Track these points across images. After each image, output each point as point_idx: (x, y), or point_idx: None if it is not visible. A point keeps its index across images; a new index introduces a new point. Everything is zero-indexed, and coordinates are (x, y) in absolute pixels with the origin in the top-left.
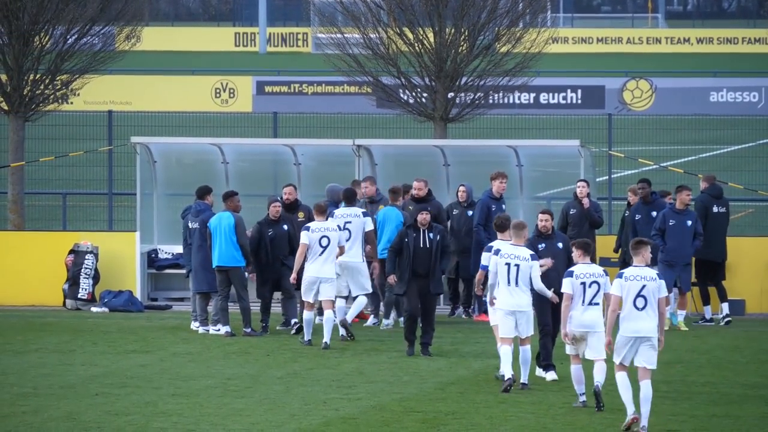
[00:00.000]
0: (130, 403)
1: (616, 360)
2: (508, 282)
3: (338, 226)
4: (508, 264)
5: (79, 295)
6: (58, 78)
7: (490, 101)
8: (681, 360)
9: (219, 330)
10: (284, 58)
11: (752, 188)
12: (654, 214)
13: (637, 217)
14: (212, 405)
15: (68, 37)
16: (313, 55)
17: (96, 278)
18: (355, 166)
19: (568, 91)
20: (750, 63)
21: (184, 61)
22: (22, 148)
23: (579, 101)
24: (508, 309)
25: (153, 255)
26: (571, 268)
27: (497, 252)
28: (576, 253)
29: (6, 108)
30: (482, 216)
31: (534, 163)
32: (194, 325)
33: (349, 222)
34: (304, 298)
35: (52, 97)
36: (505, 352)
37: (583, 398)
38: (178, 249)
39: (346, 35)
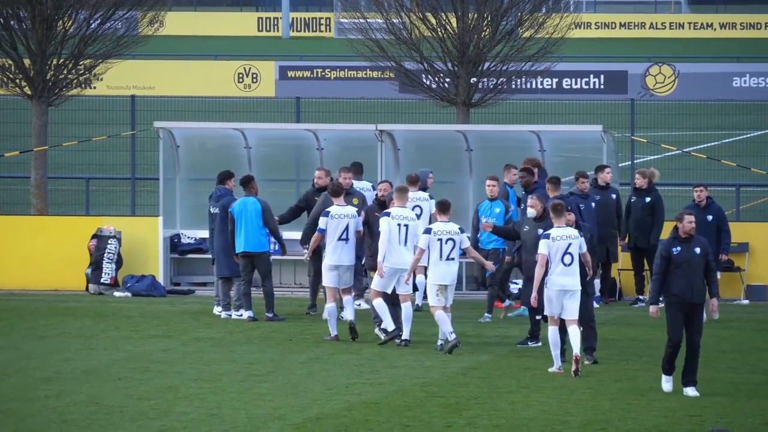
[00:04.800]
0: (153, 388)
1: (549, 313)
2: (399, 241)
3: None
4: (399, 225)
5: (101, 280)
6: (81, 63)
7: (513, 86)
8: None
9: (241, 315)
10: (307, 43)
11: None
12: None
13: (522, 205)
14: (234, 389)
15: (91, 21)
16: (335, 40)
17: (119, 263)
18: (377, 151)
19: (591, 76)
20: None
21: (207, 46)
22: (45, 132)
23: (602, 86)
24: (392, 267)
25: (176, 240)
26: (429, 226)
27: (387, 214)
28: (435, 213)
29: (29, 93)
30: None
31: (556, 148)
32: (217, 309)
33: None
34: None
35: (75, 81)
36: (378, 304)
37: (441, 342)
38: (201, 234)
39: (368, 20)
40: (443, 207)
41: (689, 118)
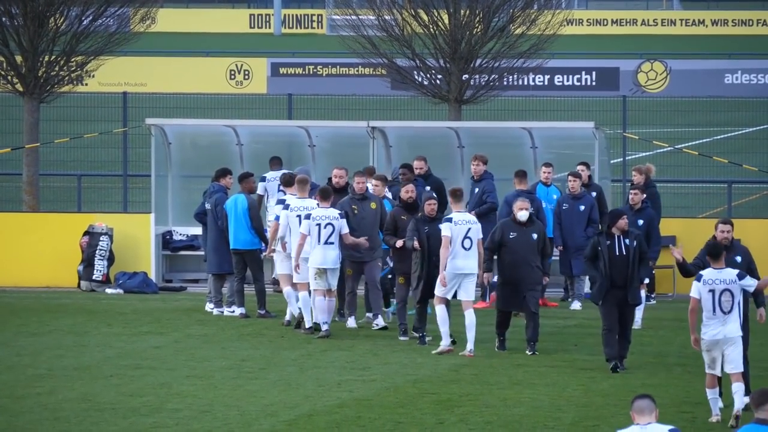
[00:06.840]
0: (145, 384)
1: (442, 294)
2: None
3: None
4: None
5: (93, 277)
6: (73, 59)
7: (505, 83)
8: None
9: (233, 311)
10: (299, 40)
11: (766, 170)
12: None
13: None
14: (226, 386)
15: (83, 18)
16: (327, 36)
17: (111, 260)
18: (369, 148)
19: (583, 72)
20: (765, 45)
21: (199, 42)
22: (37, 129)
23: (593, 83)
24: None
25: (168, 236)
26: (309, 212)
27: (297, 209)
28: (316, 199)
29: (21, 89)
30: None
31: (548, 145)
32: (209, 306)
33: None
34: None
35: (66, 78)
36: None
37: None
38: (193, 230)
39: (360, 17)
40: (324, 194)
41: (681, 115)
